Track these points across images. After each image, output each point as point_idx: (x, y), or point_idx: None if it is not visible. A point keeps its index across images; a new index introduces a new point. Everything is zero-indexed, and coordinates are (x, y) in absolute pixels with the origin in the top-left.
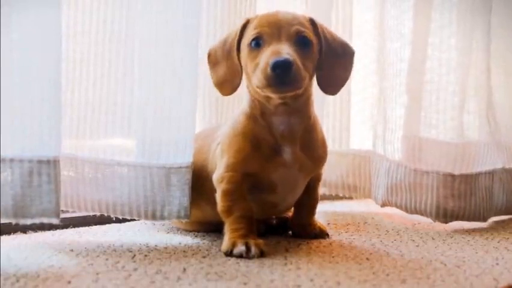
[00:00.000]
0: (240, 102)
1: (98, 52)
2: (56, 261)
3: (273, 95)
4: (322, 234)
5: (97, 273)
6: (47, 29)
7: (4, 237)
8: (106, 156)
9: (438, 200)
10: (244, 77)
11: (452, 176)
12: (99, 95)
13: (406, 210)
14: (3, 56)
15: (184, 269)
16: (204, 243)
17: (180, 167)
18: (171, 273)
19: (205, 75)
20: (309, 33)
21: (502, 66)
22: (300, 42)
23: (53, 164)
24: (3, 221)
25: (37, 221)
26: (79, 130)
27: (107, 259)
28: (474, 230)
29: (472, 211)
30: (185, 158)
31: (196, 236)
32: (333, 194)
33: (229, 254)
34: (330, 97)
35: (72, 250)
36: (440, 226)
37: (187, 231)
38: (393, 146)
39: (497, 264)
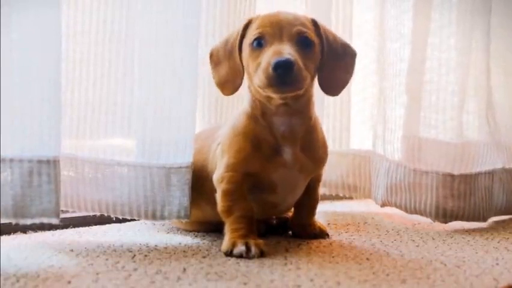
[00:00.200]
0: (240, 102)
1: (98, 52)
2: (56, 261)
3: (274, 95)
4: (322, 234)
5: (97, 273)
6: (47, 29)
7: (4, 237)
8: (106, 156)
9: (438, 200)
10: (245, 77)
11: (452, 176)
12: (99, 95)
13: (406, 210)
14: (3, 56)
15: (184, 269)
16: (204, 243)
17: (180, 167)
18: (171, 273)
19: (204, 76)
20: (311, 34)
21: (501, 66)
22: (302, 42)
23: (53, 164)
24: (3, 221)
25: (37, 221)
26: (78, 130)
27: (107, 259)
28: (474, 230)
29: (472, 211)
30: (185, 158)
31: (196, 236)
32: (333, 194)
33: (229, 254)
34: (330, 97)
35: (72, 250)
36: (440, 226)
37: (187, 231)
38: (393, 146)
39: (497, 264)
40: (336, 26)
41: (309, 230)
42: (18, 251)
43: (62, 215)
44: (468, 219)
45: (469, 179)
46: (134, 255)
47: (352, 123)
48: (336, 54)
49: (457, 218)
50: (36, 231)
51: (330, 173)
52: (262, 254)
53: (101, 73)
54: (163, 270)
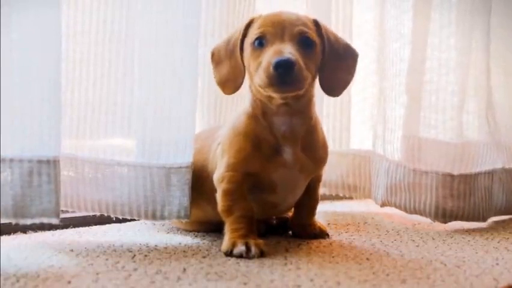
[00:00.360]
0: (239, 102)
1: (98, 52)
2: (56, 261)
3: (274, 95)
4: (322, 234)
5: (97, 273)
6: (47, 29)
7: (4, 237)
8: (106, 156)
9: (438, 200)
10: (246, 76)
11: (451, 176)
12: (99, 95)
13: (405, 210)
14: (3, 56)
15: (184, 269)
16: (204, 243)
17: (180, 167)
18: (171, 273)
19: (204, 76)
20: (312, 34)
21: (501, 66)
22: (303, 42)
23: (53, 164)
24: (3, 221)
25: (37, 221)
26: (78, 130)
27: (107, 259)
28: (474, 230)
29: (471, 211)
30: (185, 158)
31: (196, 236)
32: (333, 194)
33: (229, 254)
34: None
35: (72, 250)
36: (440, 226)
37: (187, 231)
38: (393, 146)
39: (497, 264)
40: (336, 26)
41: (309, 230)
42: (18, 251)
43: (62, 215)
44: (468, 219)
45: (468, 179)
46: (134, 255)
47: (352, 123)
48: (337, 54)
49: (456, 218)
50: (36, 231)
51: (330, 173)
52: (262, 254)
53: (101, 73)
54: (163, 270)
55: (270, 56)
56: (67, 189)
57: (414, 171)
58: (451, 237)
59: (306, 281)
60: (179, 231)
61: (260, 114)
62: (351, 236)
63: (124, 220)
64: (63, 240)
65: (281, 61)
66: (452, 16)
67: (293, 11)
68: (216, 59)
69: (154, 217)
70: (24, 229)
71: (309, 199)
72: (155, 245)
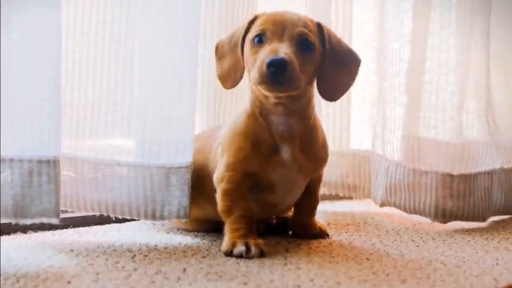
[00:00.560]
0: (239, 103)
1: (97, 52)
2: (56, 261)
3: (267, 93)
4: (322, 234)
5: (97, 273)
6: (47, 29)
7: (4, 237)
8: (106, 156)
9: (437, 200)
10: (246, 73)
11: (451, 176)
12: (98, 95)
13: (405, 210)
14: (3, 56)
15: (184, 269)
16: (204, 243)
17: (180, 167)
18: (171, 273)
19: (203, 76)
20: (313, 37)
21: (501, 66)
22: (302, 44)
23: (53, 164)
24: (3, 221)
25: (37, 221)
26: (78, 130)
27: (107, 259)
28: (474, 230)
29: (471, 211)
30: (185, 158)
31: (196, 236)
32: (333, 194)
33: (229, 254)
34: None
35: (72, 250)
36: (440, 226)
37: (187, 231)
38: (392, 146)
39: (497, 264)
40: (335, 26)
41: (309, 230)
42: (18, 251)
43: (62, 215)
44: (467, 219)
45: (468, 179)
46: (134, 255)
47: (352, 123)
48: (338, 59)
49: (456, 218)
50: (36, 231)
51: (329, 173)
52: (262, 254)
53: (100, 73)
54: (163, 270)
55: (265, 54)
56: (66, 189)
57: (413, 171)
58: (451, 237)
59: (306, 281)
60: (179, 231)
61: (258, 113)
62: (351, 236)
63: (124, 220)
64: (63, 240)
65: (274, 60)
66: (452, 16)
67: (294, 11)
68: (220, 52)
69: (153, 217)
70: (24, 229)
71: (309, 199)
72: (155, 245)
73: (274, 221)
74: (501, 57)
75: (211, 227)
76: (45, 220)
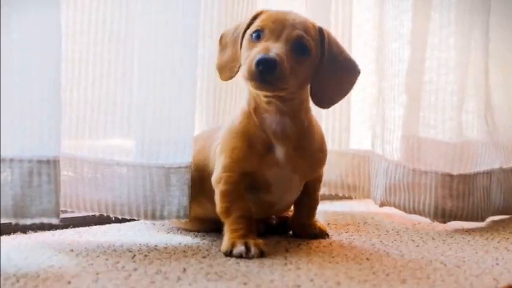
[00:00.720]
0: (239, 103)
1: (97, 52)
2: (56, 261)
3: (254, 91)
4: (322, 234)
5: (97, 273)
6: (47, 29)
7: (4, 237)
8: (105, 156)
9: (437, 200)
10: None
11: (451, 176)
12: (98, 95)
13: (404, 210)
14: (3, 56)
15: (184, 269)
16: (204, 243)
17: (180, 167)
18: (171, 273)
19: (203, 76)
20: (310, 42)
21: (500, 66)
22: (298, 47)
23: (53, 164)
24: (3, 221)
25: (37, 221)
26: (78, 130)
27: (107, 259)
28: (474, 230)
29: (470, 211)
30: (185, 158)
31: (196, 236)
32: (333, 194)
33: (228, 254)
34: None
35: (72, 250)
36: (440, 226)
37: (187, 230)
38: (392, 146)
39: (497, 264)
40: (335, 26)
41: (309, 230)
42: (18, 251)
43: (62, 215)
44: (466, 219)
45: (467, 179)
46: (134, 255)
47: (352, 123)
48: (336, 67)
49: (455, 218)
50: (36, 231)
51: (329, 173)
52: (262, 254)
53: (100, 73)
54: (163, 270)
55: (257, 51)
56: (66, 189)
57: (413, 171)
58: (451, 237)
59: (306, 281)
60: (179, 231)
61: (253, 110)
62: (351, 236)
63: (124, 220)
64: (63, 240)
65: (263, 59)
66: (452, 16)
67: (299, 13)
68: (223, 43)
69: (153, 217)
70: (24, 229)
71: (309, 199)
72: (155, 245)
73: (274, 221)
74: (500, 57)
75: (211, 227)
76: (45, 220)
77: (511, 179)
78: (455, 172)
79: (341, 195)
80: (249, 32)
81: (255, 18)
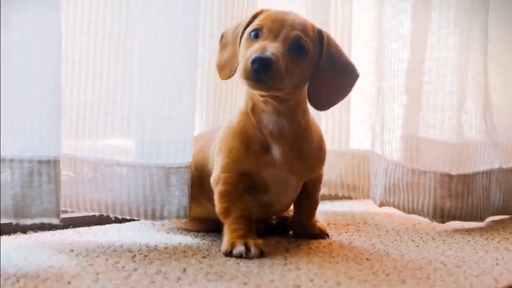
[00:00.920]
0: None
1: (97, 52)
2: (56, 261)
3: (250, 90)
4: (322, 234)
5: (97, 273)
6: (47, 29)
7: (4, 237)
8: (105, 156)
9: (435, 200)
10: None
11: (450, 176)
12: (98, 95)
13: (404, 210)
14: (3, 56)
15: (184, 269)
16: (204, 243)
17: (179, 167)
18: (171, 273)
19: (203, 76)
20: (308, 43)
21: (500, 66)
22: (295, 48)
23: (53, 164)
24: (4, 221)
25: (37, 221)
26: (78, 130)
27: (107, 259)
28: (474, 230)
29: (469, 211)
30: (185, 158)
31: (196, 236)
32: (332, 194)
33: (228, 254)
34: None
35: (72, 250)
36: (440, 226)
37: (187, 231)
38: (391, 146)
39: (497, 264)
40: (335, 27)
41: (309, 230)
42: (18, 251)
43: (62, 215)
44: (465, 219)
45: (466, 179)
46: (134, 255)
47: (351, 123)
48: (334, 70)
49: (454, 218)
50: (36, 231)
51: (329, 173)
52: (262, 254)
53: (100, 73)
54: (163, 270)
55: (253, 50)
56: (66, 189)
57: (412, 171)
58: (451, 237)
59: (306, 281)
60: (179, 231)
61: (250, 110)
62: (351, 236)
63: (124, 220)
64: (63, 240)
65: (258, 58)
66: (451, 16)
67: (299, 14)
68: (223, 42)
69: (153, 217)
70: (24, 229)
71: (309, 199)
72: (155, 245)
73: (274, 221)
74: (500, 57)
75: (211, 227)
76: (45, 220)
77: (510, 179)
78: (454, 172)
79: (340, 195)
80: (247, 30)
81: (254, 17)
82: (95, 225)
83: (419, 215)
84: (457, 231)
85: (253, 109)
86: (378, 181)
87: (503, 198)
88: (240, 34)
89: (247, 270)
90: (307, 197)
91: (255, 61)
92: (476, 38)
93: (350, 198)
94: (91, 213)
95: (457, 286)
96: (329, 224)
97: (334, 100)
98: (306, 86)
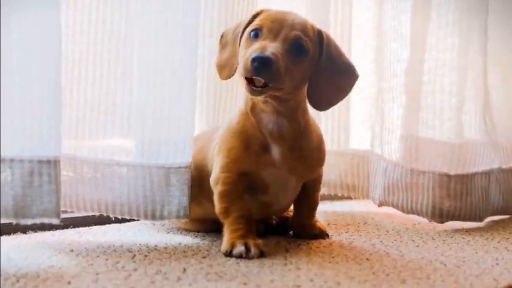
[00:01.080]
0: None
1: (97, 52)
2: (56, 261)
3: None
4: (322, 234)
5: (97, 273)
6: (47, 29)
7: (4, 237)
8: (105, 156)
9: (434, 200)
10: None
11: (448, 176)
12: (98, 95)
13: (403, 210)
14: (3, 56)
15: (184, 269)
16: (204, 243)
17: (179, 167)
18: (171, 273)
19: (203, 76)
20: (308, 43)
21: (499, 66)
22: (295, 48)
23: (53, 164)
24: (4, 221)
25: (38, 221)
26: (78, 130)
27: (107, 259)
28: (474, 230)
29: (468, 211)
30: (185, 158)
31: (196, 236)
32: (332, 194)
33: (228, 254)
34: None
35: (72, 250)
36: (440, 226)
37: (187, 231)
38: (391, 146)
39: (497, 264)
40: (335, 27)
41: (309, 230)
42: (18, 251)
43: (62, 215)
44: (464, 219)
45: (465, 179)
46: (134, 255)
47: (351, 123)
48: (334, 70)
49: (453, 218)
50: (36, 231)
51: (328, 173)
52: (262, 254)
53: (100, 73)
54: (163, 270)
55: (253, 49)
56: (66, 189)
57: (411, 171)
58: (451, 237)
59: (306, 281)
60: (179, 231)
61: (250, 110)
62: (351, 236)
63: (124, 220)
64: (63, 240)
65: (258, 57)
66: (451, 16)
67: (299, 14)
68: (223, 41)
69: (153, 217)
70: (24, 229)
71: (309, 199)
72: (155, 245)
73: (274, 221)
74: (499, 57)
75: (211, 227)
76: (46, 220)
77: (510, 179)
78: (452, 172)
79: (340, 195)
80: (247, 30)
81: (255, 17)
82: (95, 225)
83: (418, 215)
84: (456, 231)
85: (253, 109)
86: (378, 181)
87: (503, 198)
88: (239, 34)
89: (247, 270)
90: (307, 197)
91: (254, 60)
92: (475, 38)
93: (349, 198)
94: (91, 213)
95: (457, 286)
96: (328, 224)
97: (334, 100)
98: (306, 86)
